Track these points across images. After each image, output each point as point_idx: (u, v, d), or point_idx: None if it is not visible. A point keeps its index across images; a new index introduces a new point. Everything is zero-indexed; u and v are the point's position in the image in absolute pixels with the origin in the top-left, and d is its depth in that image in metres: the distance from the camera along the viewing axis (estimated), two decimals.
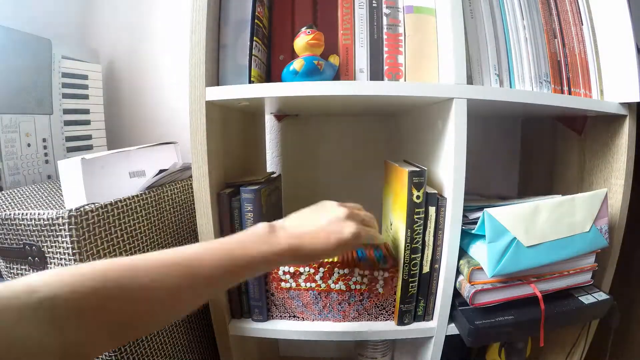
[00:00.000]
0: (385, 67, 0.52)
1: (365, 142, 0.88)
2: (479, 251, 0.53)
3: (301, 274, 0.56)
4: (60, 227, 0.44)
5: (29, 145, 0.70)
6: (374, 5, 0.53)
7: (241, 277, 0.38)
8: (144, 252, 0.54)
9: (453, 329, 0.57)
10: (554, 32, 0.58)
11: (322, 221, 0.43)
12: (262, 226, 0.40)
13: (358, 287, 0.56)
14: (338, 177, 0.90)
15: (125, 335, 0.31)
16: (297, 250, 0.40)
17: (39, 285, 0.25)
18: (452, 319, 0.57)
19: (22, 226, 0.45)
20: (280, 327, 0.58)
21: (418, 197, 0.51)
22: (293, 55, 0.52)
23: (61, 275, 0.27)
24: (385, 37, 0.52)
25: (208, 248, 0.36)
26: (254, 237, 0.39)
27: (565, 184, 0.73)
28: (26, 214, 0.45)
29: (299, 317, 0.59)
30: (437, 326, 0.56)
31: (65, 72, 0.77)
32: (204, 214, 0.52)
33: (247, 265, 0.36)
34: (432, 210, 0.53)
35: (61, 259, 0.45)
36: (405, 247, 0.53)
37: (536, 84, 0.55)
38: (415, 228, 0.52)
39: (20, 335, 0.23)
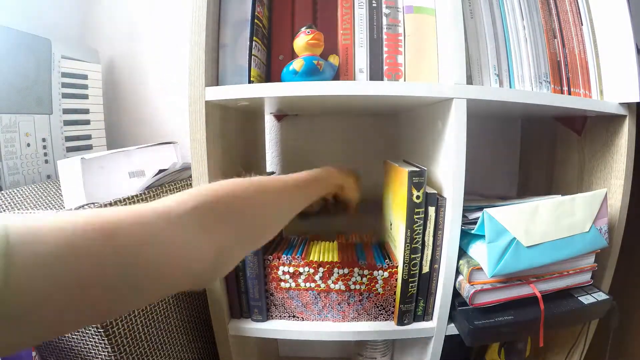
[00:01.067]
0: (385, 67, 0.52)
1: (365, 142, 0.88)
2: (478, 251, 0.53)
3: (300, 274, 0.56)
4: None
5: (28, 145, 0.70)
6: (373, 5, 0.53)
7: (314, 193, 0.48)
8: None
9: (453, 329, 0.57)
10: (554, 32, 0.58)
11: (351, 179, 0.56)
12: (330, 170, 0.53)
13: (358, 287, 0.56)
14: None
15: (261, 237, 0.38)
16: (342, 177, 0.54)
17: (186, 198, 0.29)
18: (451, 319, 0.57)
19: None
20: (280, 327, 0.58)
21: (418, 197, 0.51)
22: (293, 55, 0.52)
23: (200, 190, 0.32)
24: (385, 37, 0.52)
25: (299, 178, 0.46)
26: (329, 173, 0.52)
27: (565, 184, 0.73)
28: (26, 214, 0.45)
29: (298, 317, 0.59)
30: (436, 326, 0.56)
31: (64, 72, 0.77)
32: None
33: (317, 182, 0.49)
34: (431, 210, 0.53)
35: None
36: (405, 247, 0.53)
37: (536, 84, 0.55)
38: (415, 228, 0.52)
39: (180, 241, 0.27)
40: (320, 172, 0.50)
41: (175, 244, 0.27)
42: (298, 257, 0.56)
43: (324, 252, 0.60)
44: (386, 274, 0.56)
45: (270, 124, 0.89)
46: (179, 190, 0.63)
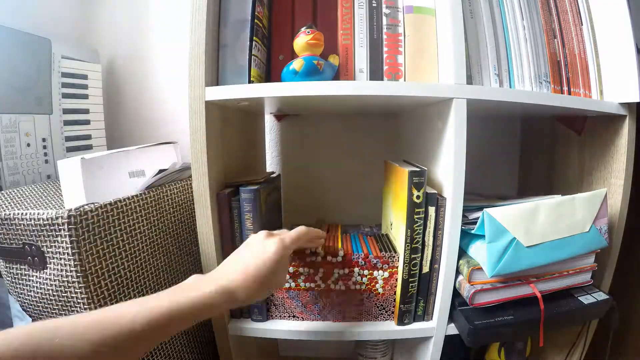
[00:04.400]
0: (385, 67, 0.52)
1: (365, 142, 0.88)
2: (478, 251, 0.53)
3: (300, 274, 0.56)
4: (60, 227, 0.44)
5: (28, 145, 0.70)
6: (373, 5, 0.53)
7: (173, 328, 0.36)
8: (143, 251, 0.54)
9: (453, 329, 0.57)
10: (554, 32, 0.58)
11: (245, 253, 0.44)
12: (192, 276, 0.41)
13: (358, 287, 0.56)
14: (338, 177, 0.89)
15: None
16: (228, 288, 0.39)
17: None
18: (451, 318, 0.57)
19: (22, 226, 0.45)
20: (280, 327, 0.58)
21: (418, 197, 0.51)
22: (293, 55, 0.52)
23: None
24: (385, 37, 0.52)
25: (134, 303, 0.35)
26: (183, 286, 0.39)
27: (565, 184, 0.73)
28: (26, 214, 0.45)
29: (298, 317, 0.59)
30: (436, 326, 0.56)
31: (65, 72, 0.77)
32: (204, 214, 0.52)
33: (175, 315, 0.35)
34: (431, 210, 0.53)
35: (61, 258, 0.45)
36: (405, 247, 0.53)
37: (536, 84, 0.55)
38: (415, 228, 0.52)
39: None
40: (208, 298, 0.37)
41: None
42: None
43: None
44: (386, 274, 0.56)
45: (270, 124, 0.90)
46: (179, 190, 0.63)
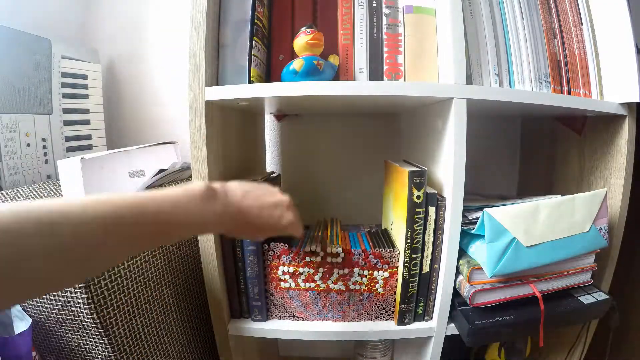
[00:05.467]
0: (385, 67, 0.52)
1: (365, 142, 0.88)
2: (478, 251, 0.53)
3: (300, 274, 0.56)
4: None
5: (28, 145, 0.70)
6: (373, 5, 0.53)
7: (156, 240, 0.32)
8: (144, 251, 0.54)
9: (453, 329, 0.57)
10: (554, 33, 0.58)
11: (266, 202, 0.41)
12: (199, 188, 0.35)
13: (358, 287, 0.56)
14: (338, 177, 0.89)
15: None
16: (235, 223, 0.38)
17: None
18: (451, 318, 0.57)
19: None
20: (280, 327, 0.58)
21: (418, 197, 0.51)
22: (293, 55, 0.52)
23: None
24: (385, 37, 0.52)
25: (123, 200, 0.28)
26: (188, 200, 0.33)
27: (565, 184, 0.73)
28: None
29: (298, 317, 0.59)
30: (436, 326, 0.56)
31: (64, 72, 0.77)
32: None
33: (168, 229, 0.32)
34: (432, 210, 0.53)
35: None
36: (405, 247, 0.53)
37: (536, 84, 0.55)
38: (416, 228, 0.52)
39: None
40: (148, 202, 0.30)
41: None
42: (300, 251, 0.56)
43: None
44: (386, 274, 0.56)
45: (270, 124, 0.90)
46: None
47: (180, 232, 0.34)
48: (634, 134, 0.58)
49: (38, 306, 0.49)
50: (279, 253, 0.56)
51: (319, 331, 0.57)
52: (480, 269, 0.52)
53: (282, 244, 0.56)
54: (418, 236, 0.53)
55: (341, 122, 0.88)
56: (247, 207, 0.39)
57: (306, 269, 0.56)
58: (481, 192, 0.70)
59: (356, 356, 0.78)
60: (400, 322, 0.57)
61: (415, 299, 0.56)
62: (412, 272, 0.54)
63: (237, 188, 0.40)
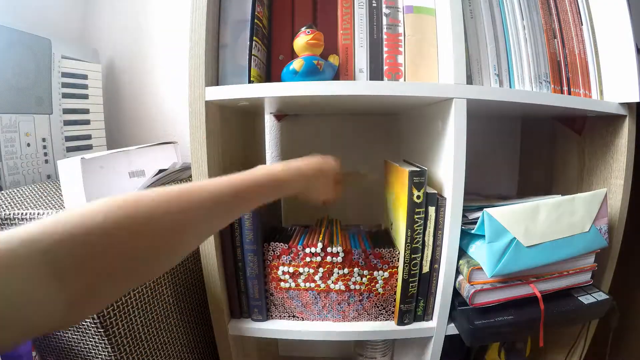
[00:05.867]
0: (385, 67, 0.52)
1: (365, 142, 0.88)
2: (478, 251, 0.53)
3: (300, 274, 0.56)
4: None
5: (28, 145, 0.70)
6: (373, 5, 0.53)
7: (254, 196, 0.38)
8: None
9: (453, 329, 0.57)
10: (554, 33, 0.58)
11: (325, 189, 0.49)
12: (316, 162, 0.46)
13: (357, 287, 0.56)
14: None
15: (130, 277, 0.28)
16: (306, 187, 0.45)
17: (38, 236, 0.22)
18: (451, 318, 0.57)
19: None
20: (280, 327, 0.58)
21: (418, 197, 0.51)
22: (293, 55, 0.52)
23: (66, 221, 0.24)
24: (385, 37, 0.52)
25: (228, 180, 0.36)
26: (299, 170, 0.43)
27: (565, 184, 0.73)
28: (26, 214, 0.45)
29: (298, 317, 0.59)
30: (436, 326, 0.56)
31: (65, 72, 0.77)
32: None
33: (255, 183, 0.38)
34: (432, 210, 0.53)
35: None
36: (405, 247, 0.53)
37: (536, 84, 0.55)
38: (416, 228, 0.52)
39: (23, 291, 0.21)
40: (278, 172, 0.41)
41: (9, 297, 0.21)
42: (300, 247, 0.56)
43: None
44: (386, 274, 0.56)
45: (270, 124, 0.90)
46: None
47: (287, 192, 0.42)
48: (634, 134, 0.58)
49: None
50: (279, 253, 0.56)
51: (319, 331, 0.57)
52: (480, 269, 0.52)
53: (282, 244, 0.56)
54: (418, 236, 0.53)
55: (341, 122, 0.88)
56: (313, 184, 0.46)
57: (306, 269, 0.56)
58: (481, 192, 0.70)
59: (356, 356, 0.78)
60: (400, 322, 0.57)
61: (416, 299, 0.56)
62: (412, 272, 0.54)
63: (304, 163, 0.46)
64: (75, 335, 0.49)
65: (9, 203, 0.57)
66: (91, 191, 0.54)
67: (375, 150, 0.87)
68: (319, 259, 0.55)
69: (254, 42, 0.50)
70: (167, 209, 0.29)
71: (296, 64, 0.48)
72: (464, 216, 0.53)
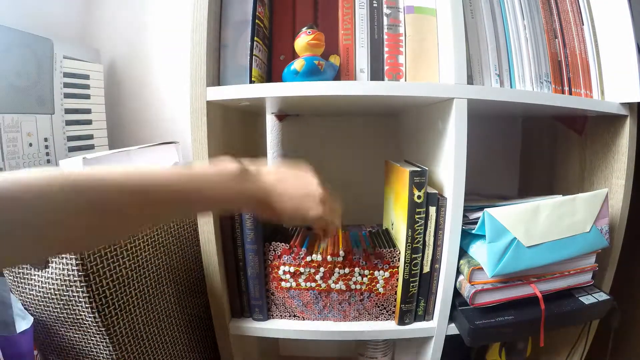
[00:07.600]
0: (386, 67, 0.52)
1: (366, 142, 0.88)
2: (479, 251, 0.53)
3: (301, 273, 0.56)
4: None
5: (30, 144, 0.70)
6: (374, 5, 0.53)
7: (177, 211, 0.34)
8: (144, 251, 0.54)
9: (453, 329, 0.57)
10: (555, 32, 0.58)
11: (300, 191, 0.41)
12: (232, 169, 0.36)
13: (358, 286, 0.57)
14: (338, 177, 0.89)
15: None
16: (262, 204, 0.38)
17: None
18: (452, 318, 0.57)
19: None
20: (281, 327, 0.58)
21: (419, 197, 0.51)
22: (294, 55, 0.52)
23: None
24: (385, 37, 0.53)
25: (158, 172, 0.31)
26: (220, 178, 0.35)
27: (566, 184, 0.73)
28: None
29: (299, 317, 0.59)
30: (437, 326, 0.56)
31: (66, 72, 0.77)
32: None
33: (198, 200, 0.34)
34: (432, 210, 0.53)
35: (62, 258, 0.45)
36: (406, 247, 0.53)
37: (536, 84, 0.55)
38: (416, 228, 0.53)
39: None
40: (189, 174, 0.33)
41: None
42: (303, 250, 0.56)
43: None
44: (387, 273, 0.56)
45: (271, 124, 0.90)
46: None
47: (204, 207, 0.36)
48: (635, 134, 0.58)
49: (40, 305, 0.49)
50: (279, 253, 0.56)
51: (320, 331, 0.57)
52: (481, 269, 0.52)
53: (282, 243, 0.56)
54: (419, 236, 0.53)
55: (342, 122, 0.88)
56: (278, 194, 0.39)
57: (307, 269, 0.56)
58: (482, 192, 0.70)
59: (357, 356, 0.78)
60: (401, 322, 0.57)
61: (416, 298, 0.56)
62: (412, 272, 0.54)
63: (272, 172, 0.40)
64: (77, 334, 0.49)
65: None
66: None
67: (376, 150, 0.87)
68: (320, 258, 0.56)
69: (255, 43, 0.50)
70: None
71: (297, 64, 0.48)
72: (464, 216, 0.53)
